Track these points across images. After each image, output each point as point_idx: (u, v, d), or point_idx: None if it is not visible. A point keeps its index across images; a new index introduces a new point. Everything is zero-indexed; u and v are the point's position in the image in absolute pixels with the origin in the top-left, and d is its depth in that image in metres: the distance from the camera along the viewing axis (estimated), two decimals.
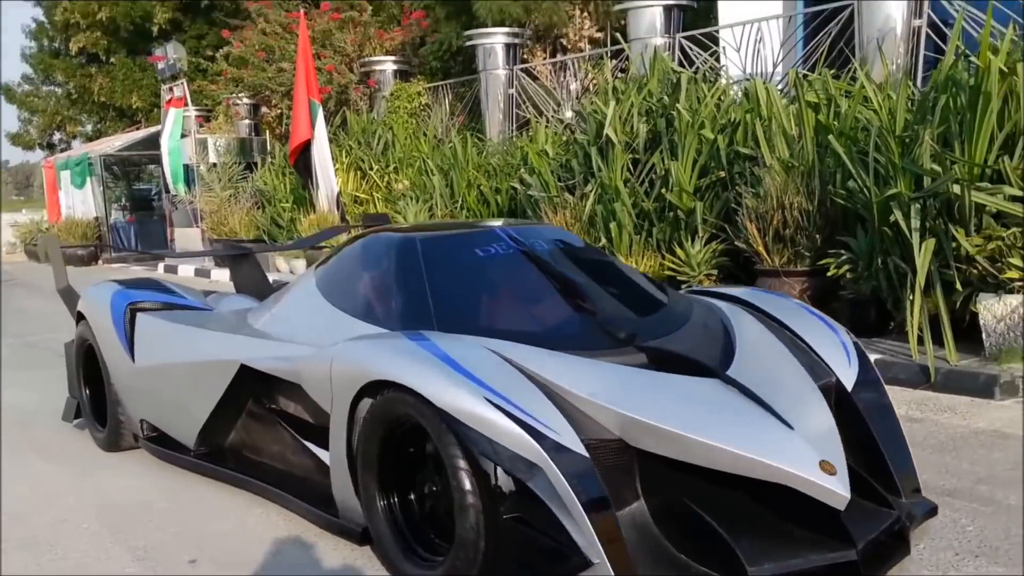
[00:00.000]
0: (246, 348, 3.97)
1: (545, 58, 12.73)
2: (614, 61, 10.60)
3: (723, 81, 8.55)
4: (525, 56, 12.90)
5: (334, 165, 12.55)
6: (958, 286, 5.38)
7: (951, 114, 5.67)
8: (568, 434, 2.70)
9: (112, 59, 26.06)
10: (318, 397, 3.42)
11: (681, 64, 9.56)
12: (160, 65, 18.30)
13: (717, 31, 9.97)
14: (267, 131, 17.24)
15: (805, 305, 3.92)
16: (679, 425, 2.74)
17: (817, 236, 6.33)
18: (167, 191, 18.02)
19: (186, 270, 14.65)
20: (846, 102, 6.72)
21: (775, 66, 9.15)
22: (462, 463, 2.71)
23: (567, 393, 2.88)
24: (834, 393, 3.22)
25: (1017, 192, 5.29)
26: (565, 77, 11.68)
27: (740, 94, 8.08)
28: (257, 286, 5.46)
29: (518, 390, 2.82)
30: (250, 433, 4.17)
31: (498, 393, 2.76)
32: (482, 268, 3.77)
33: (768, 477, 2.65)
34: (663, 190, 7.49)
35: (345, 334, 3.48)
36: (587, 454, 2.67)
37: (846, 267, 5.98)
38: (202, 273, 13.85)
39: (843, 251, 6.05)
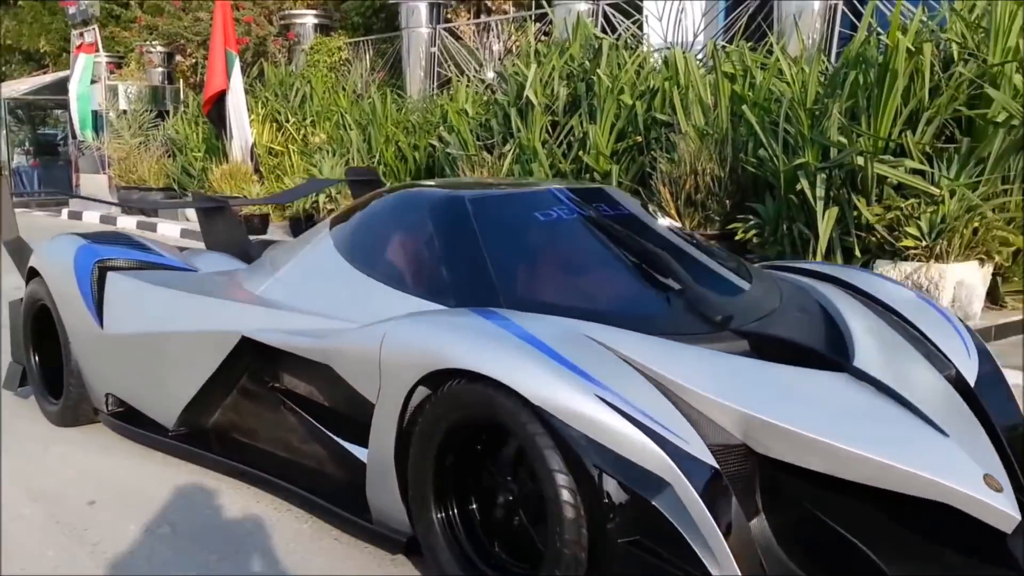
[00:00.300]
0: (249, 318, 3.40)
1: (469, 19, 12.65)
2: (537, 25, 10.60)
3: (644, 49, 8.63)
4: (449, 16, 12.81)
5: (249, 116, 12.35)
6: (857, 253, 5.60)
7: (859, 89, 5.85)
8: (695, 441, 2.26)
9: (20, 2, 24.98)
10: (358, 383, 2.86)
11: (604, 31, 9.62)
12: (71, 10, 17.56)
13: (641, 0, 10.04)
14: (181, 80, 16.80)
15: (906, 285, 3.44)
16: (824, 431, 2.30)
17: (727, 201, 6.47)
18: (74, 137, 17.45)
19: (91, 216, 14.23)
20: (761, 74, 6.86)
21: (695, 37, 9.26)
22: (562, 476, 2.25)
23: (680, 388, 2.42)
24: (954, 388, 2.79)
25: (918, 165, 5.50)
26: (488, 38, 11.64)
27: (660, 62, 8.17)
28: (235, 244, 4.76)
29: (631, 385, 2.36)
30: (242, 414, 3.61)
31: (609, 389, 2.30)
32: (546, 234, 3.25)
33: (928, 494, 2.23)
34: (581, 152, 7.57)
35: (385, 308, 2.98)
36: (717, 465, 2.24)
37: (753, 232, 6.15)
38: (108, 220, 13.48)
39: (751, 216, 6.21)
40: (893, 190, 5.56)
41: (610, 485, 2.20)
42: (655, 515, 2.16)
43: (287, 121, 12.48)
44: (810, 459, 2.31)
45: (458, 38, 12.12)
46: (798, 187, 5.81)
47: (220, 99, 12.24)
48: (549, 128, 7.98)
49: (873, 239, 5.55)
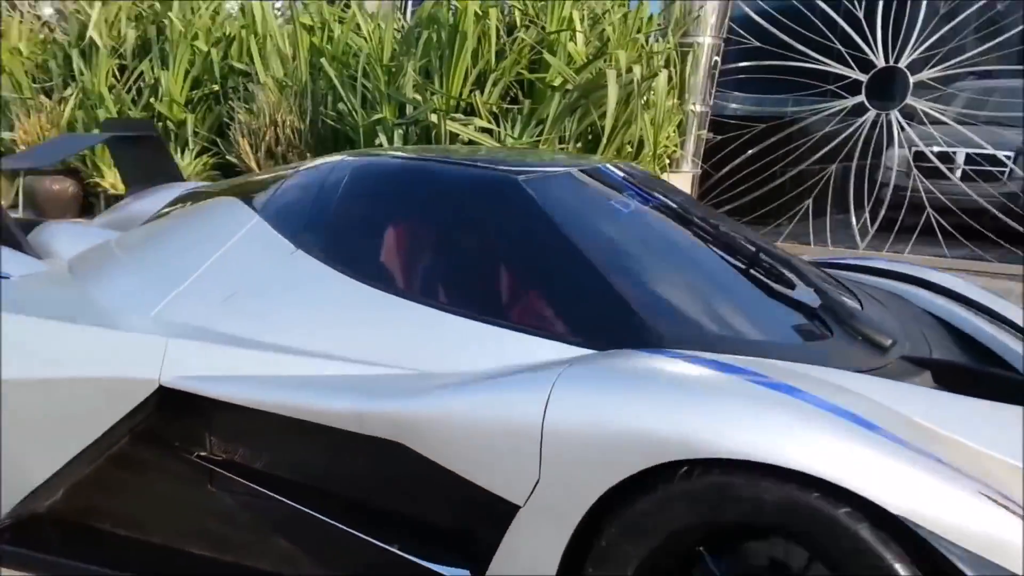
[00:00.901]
0: (161, 356, 2.22)
1: None
2: None
3: None
4: None
5: None
6: None
7: (433, 49, 6.07)
8: None
9: None
10: (478, 471, 1.90)
11: None
12: None
13: None
14: None
15: (982, 285, 2.97)
16: None
17: (308, 154, 6.44)
18: None
19: None
20: (339, 28, 6.89)
21: None
22: None
23: (986, 458, 1.75)
24: None
25: (486, 124, 5.85)
26: None
27: (236, 9, 7.94)
28: None
29: (984, 468, 1.70)
30: (125, 494, 2.41)
31: (980, 480, 1.61)
32: (643, 233, 2.47)
33: None
34: (152, 99, 7.18)
35: (465, 348, 2.08)
36: None
37: None
38: None
39: None
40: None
41: None
42: None
43: None
44: None
45: None
46: (377, 142, 5.93)
47: None
48: (117, 72, 7.48)
49: None
